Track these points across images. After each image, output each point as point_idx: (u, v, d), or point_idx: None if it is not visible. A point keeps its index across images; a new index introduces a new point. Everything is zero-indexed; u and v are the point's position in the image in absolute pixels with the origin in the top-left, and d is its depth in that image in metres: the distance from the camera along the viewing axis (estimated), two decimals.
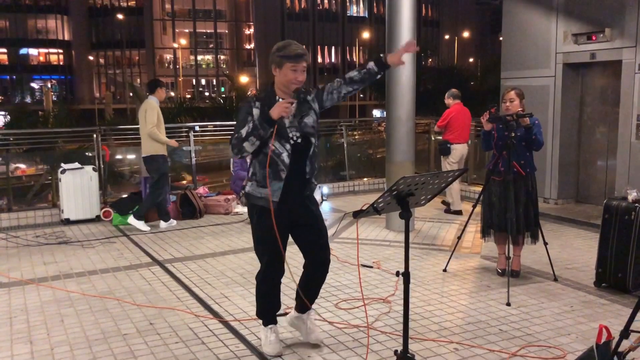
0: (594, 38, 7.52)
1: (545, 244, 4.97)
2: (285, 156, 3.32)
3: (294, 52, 3.30)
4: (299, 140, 3.36)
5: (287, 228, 3.44)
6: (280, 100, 3.34)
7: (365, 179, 10.03)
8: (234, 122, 3.54)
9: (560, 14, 7.95)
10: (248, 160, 4.03)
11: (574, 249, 6.01)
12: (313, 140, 3.40)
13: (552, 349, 3.61)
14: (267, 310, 3.59)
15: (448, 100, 7.91)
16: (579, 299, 4.51)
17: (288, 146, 3.32)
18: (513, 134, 4.68)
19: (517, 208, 4.79)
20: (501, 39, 9.42)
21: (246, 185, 3.46)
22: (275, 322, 3.62)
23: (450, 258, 5.33)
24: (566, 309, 4.29)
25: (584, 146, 8.21)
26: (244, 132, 3.28)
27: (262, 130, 3.24)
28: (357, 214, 2.89)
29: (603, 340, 2.83)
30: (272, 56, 3.35)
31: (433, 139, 10.35)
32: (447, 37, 54.64)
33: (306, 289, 3.57)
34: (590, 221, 7.00)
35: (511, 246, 4.77)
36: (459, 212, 7.74)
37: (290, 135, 3.33)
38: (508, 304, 4.35)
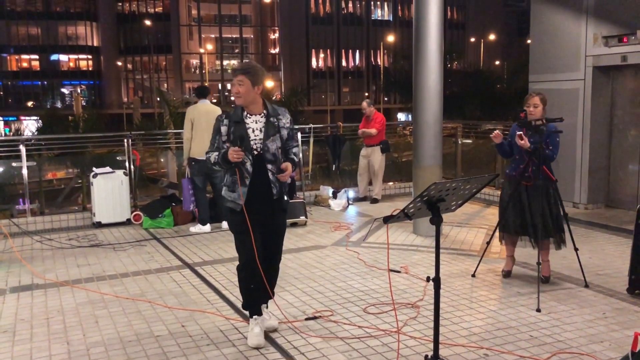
0: (625, 40, 7.41)
1: (576, 249, 4.92)
2: (248, 165, 3.71)
3: (232, 69, 3.78)
4: (261, 152, 3.72)
5: (257, 227, 3.73)
6: (248, 116, 3.75)
7: (390, 183, 10.01)
8: None
9: (590, 16, 7.85)
10: None
11: (606, 254, 5.92)
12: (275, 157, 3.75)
13: (585, 357, 3.58)
14: (250, 302, 3.86)
15: (370, 109, 9.13)
16: (611, 305, 4.45)
17: (251, 156, 3.70)
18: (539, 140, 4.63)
19: (542, 212, 4.75)
20: (529, 41, 9.34)
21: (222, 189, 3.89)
22: (259, 314, 3.85)
23: (479, 263, 5.30)
24: (598, 316, 4.23)
25: (615, 150, 8.08)
26: (212, 158, 3.74)
27: (224, 166, 3.70)
28: (388, 219, 2.91)
29: (639, 348, 2.79)
30: None
31: (460, 142, 10.29)
32: (472, 39, 54.18)
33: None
34: (622, 226, 6.89)
35: (537, 252, 4.73)
36: (375, 200, 8.99)
37: (255, 147, 3.70)
38: (538, 310, 4.32)
